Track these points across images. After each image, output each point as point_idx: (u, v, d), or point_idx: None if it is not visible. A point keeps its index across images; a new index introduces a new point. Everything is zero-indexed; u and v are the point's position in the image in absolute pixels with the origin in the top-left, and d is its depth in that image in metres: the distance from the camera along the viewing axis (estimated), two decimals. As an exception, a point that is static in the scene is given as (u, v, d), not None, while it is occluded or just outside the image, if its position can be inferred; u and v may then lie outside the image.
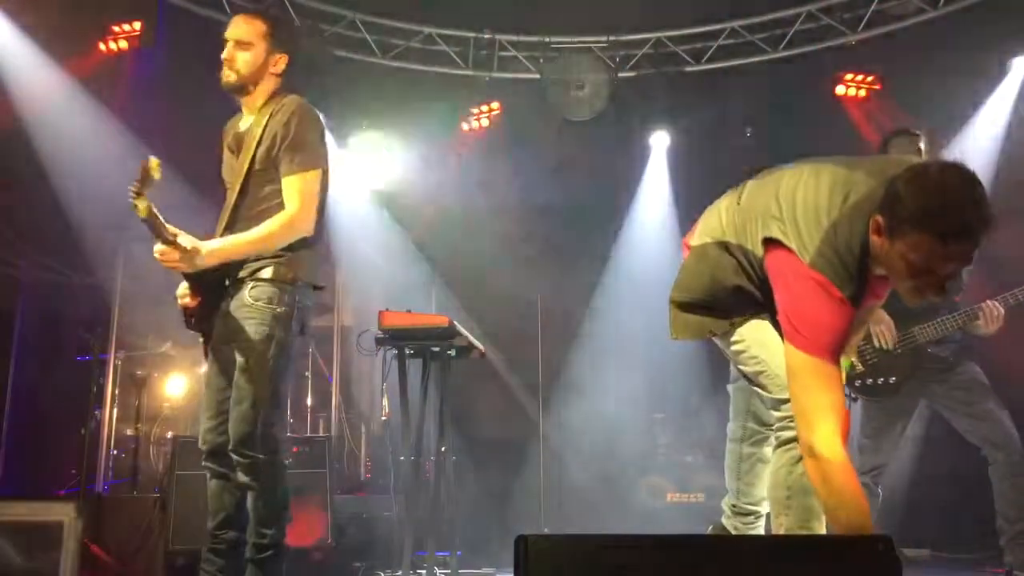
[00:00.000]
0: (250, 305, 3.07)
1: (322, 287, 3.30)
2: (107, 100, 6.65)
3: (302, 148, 3.15)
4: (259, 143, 3.15)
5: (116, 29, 6.71)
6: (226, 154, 3.32)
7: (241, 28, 3.22)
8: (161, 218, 2.92)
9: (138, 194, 2.82)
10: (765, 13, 7.18)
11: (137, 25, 6.70)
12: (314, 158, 3.20)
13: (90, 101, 6.58)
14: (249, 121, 3.27)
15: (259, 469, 3.02)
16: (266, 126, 3.16)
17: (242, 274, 3.11)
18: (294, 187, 3.13)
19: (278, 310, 3.08)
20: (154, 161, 2.81)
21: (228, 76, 3.23)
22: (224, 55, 3.22)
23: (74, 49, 6.58)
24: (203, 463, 3.17)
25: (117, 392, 6.13)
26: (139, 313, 6.32)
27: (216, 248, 3.04)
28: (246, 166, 3.14)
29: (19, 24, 6.29)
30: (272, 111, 3.20)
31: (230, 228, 3.16)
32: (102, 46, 6.73)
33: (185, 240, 2.97)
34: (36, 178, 6.31)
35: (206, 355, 3.25)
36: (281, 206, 3.13)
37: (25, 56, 6.33)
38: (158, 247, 2.98)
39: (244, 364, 3.05)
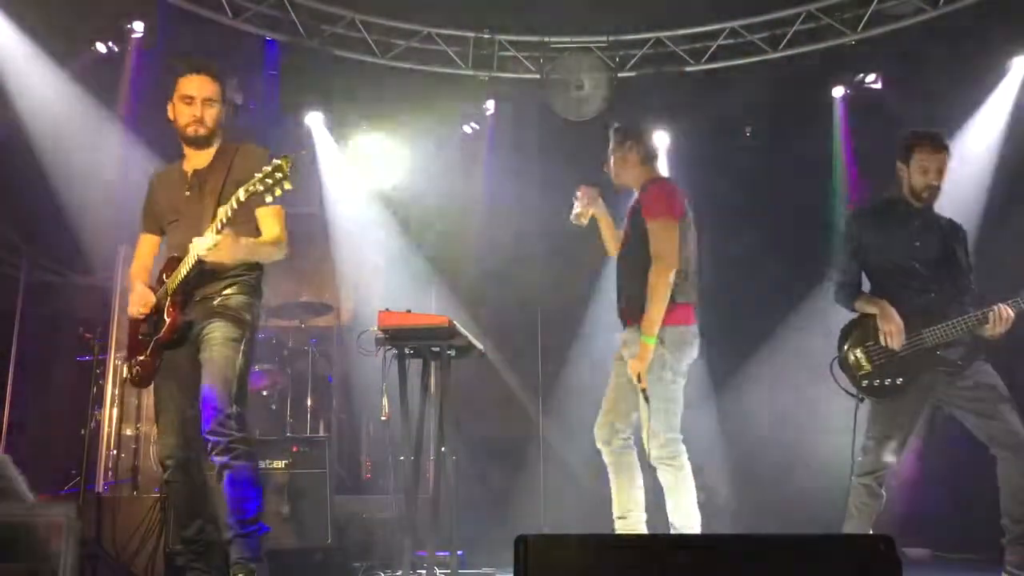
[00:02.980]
0: (223, 312, 3.44)
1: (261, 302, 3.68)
2: (107, 101, 6.66)
3: None
4: (226, 179, 3.50)
5: (116, 30, 6.72)
6: (175, 193, 3.63)
7: (207, 88, 3.56)
8: None
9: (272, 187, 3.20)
10: (765, 13, 7.18)
11: (138, 26, 6.71)
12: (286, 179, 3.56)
13: (90, 102, 6.59)
14: (200, 163, 3.62)
15: (236, 447, 3.29)
16: (232, 165, 3.54)
17: (213, 289, 3.48)
18: (274, 217, 3.53)
19: (247, 317, 3.48)
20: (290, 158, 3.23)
21: (199, 130, 3.57)
22: (196, 113, 3.56)
23: (74, 49, 6.59)
24: (170, 478, 3.44)
25: (117, 392, 6.13)
26: (139, 313, 6.32)
27: (250, 244, 3.41)
28: (216, 199, 3.45)
29: (19, 24, 6.29)
30: (230, 154, 3.58)
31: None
32: (102, 47, 6.74)
33: (229, 232, 3.29)
34: (36, 178, 6.31)
35: (150, 374, 3.49)
36: (245, 233, 3.44)
37: (25, 56, 6.34)
38: (214, 237, 3.25)
39: (218, 357, 3.36)
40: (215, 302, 3.45)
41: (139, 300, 3.55)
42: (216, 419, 3.27)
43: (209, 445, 3.29)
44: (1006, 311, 3.77)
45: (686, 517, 3.89)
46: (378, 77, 7.38)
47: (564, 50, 7.39)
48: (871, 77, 7.13)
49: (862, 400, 3.97)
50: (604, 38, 7.38)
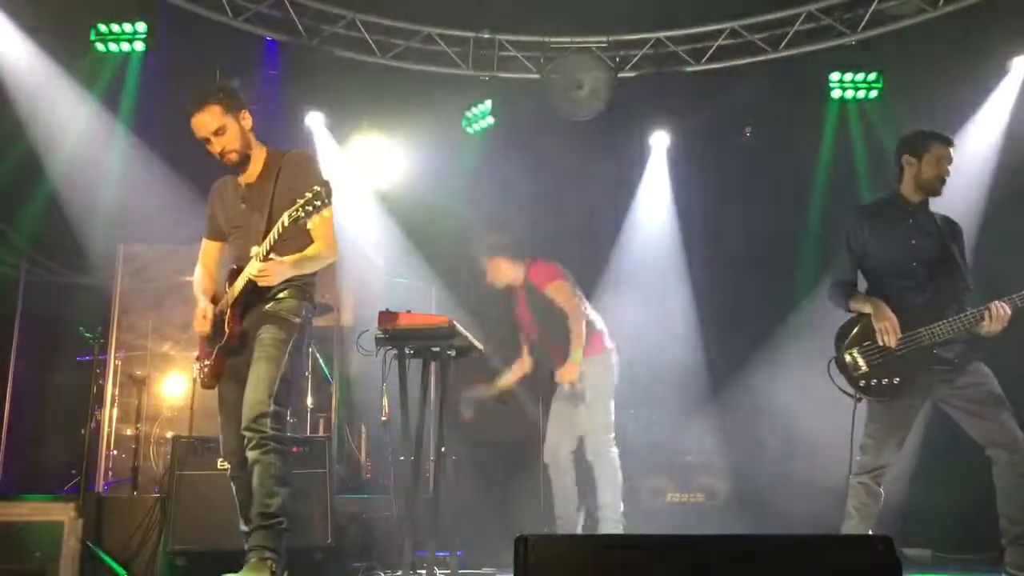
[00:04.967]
0: (274, 314, 3.59)
1: (315, 306, 3.85)
2: (108, 101, 6.66)
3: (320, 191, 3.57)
4: (274, 192, 3.61)
5: (117, 30, 6.72)
6: (235, 206, 3.75)
7: (208, 121, 3.60)
8: None
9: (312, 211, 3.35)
10: (765, 13, 7.18)
11: (139, 26, 6.71)
12: (329, 197, 3.59)
13: (91, 102, 6.59)
14: (253, 175, 3.72)
15: (267, 443, 3.42)
16: (279, 176, 3.64)
17: (268, 295, 3.61)
18: (324, 224, 3.61)
19: (296, 320, 3.62)
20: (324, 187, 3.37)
21: (231, 158, 3.64)
22: (215, 150, 3.63)
23: (75, 50, 6.59)
24: (231, 474, 3.61)
25: (117, 392, 6.13)
26: (139, 313, 6.33)
27: (296, 260, 3.55)
28: (267, 213, 3.57)
29: (20, 25, 6.30)
30: (280, 163, 3.69)
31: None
32: (103, 47, 6.74)
33: (276, 257, 3.47)
34: (37, 179, 6.31)
35: (213, 379, 3.65)
36: (298, 242, 3.58)
37: (26, 57, 6.34)
38: (260, 264, 3.44)
39: (263, 356, 3.51)
40: (268, 307, 3.61)
41: (200, 318, 3.69)
42: (253, 416, 3.42)
43: (245, 439, 3.44)
44: (1003, 308, 3.77)
45: None
46: (378, 77, 7.38)
47: (564, 50, 7.38)
48: (871, 77, 7.14)
49: (859, 400, 3.96)
50: (604, 38, 7.38)
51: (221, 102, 3.61)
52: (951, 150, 4.09)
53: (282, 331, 3.57)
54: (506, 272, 5.25)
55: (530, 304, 5.24)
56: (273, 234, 3.43)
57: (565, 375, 5.01)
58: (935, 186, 4.05)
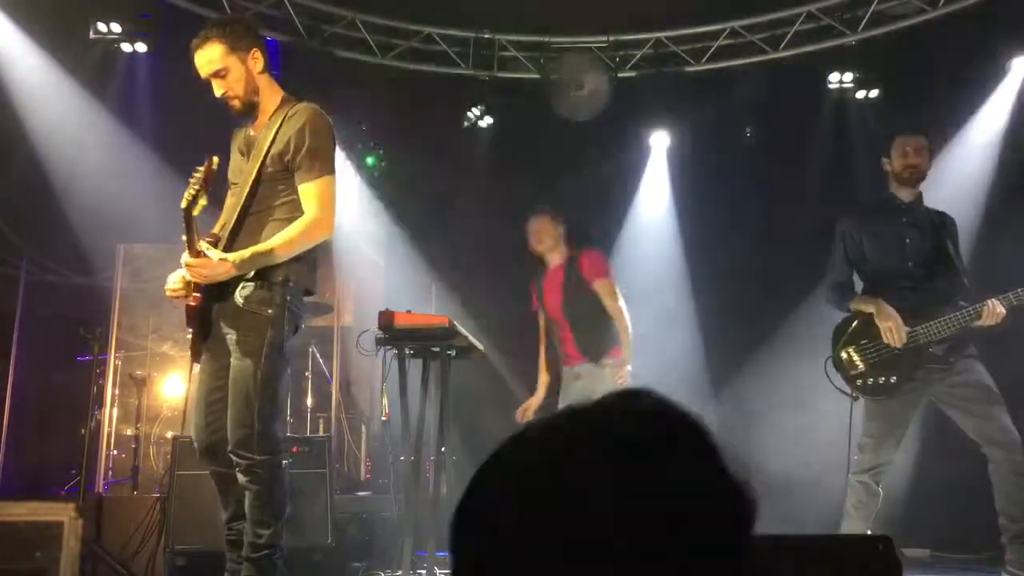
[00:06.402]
0: (241, 307, 3.08)
1: (312, 293, 3.31)
2: (108, 100, 6.66)
3: (318, 154, 3.16)
4: (271, 145, 3.15)
5: (117, 29, 6.71)
6: (235, 156, 3.35)
7: (207, 61, 3.16)
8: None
9: (198, 192, 2.89)
10: (765, 13, 7.18)
11: (140, 26, 6.71)
12: (330, 164, 3.23)
13: (90, 101, 6.58)
14: (260, 124, 3.29)
15: (257, 471, 3.04)
16: (278, 130, 3.17)
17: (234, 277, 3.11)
18: (313, 192, 3.14)
19: (269, 311, 3.08)
20: (216, 159, 2.95)
21: (234, 104, 3.21)
22: (217, 93, 3.19)
23: (75, 49, 6.58)
24: (202, 462, 3.24)
25: (117, 392, 6.13)
26: (139, 313, 6.32)
27: (245, 259, 3.02)
28: (257, 167, 3.14)
29: (19, 24, 6.29)
30: (284, 115, 3.21)
31: (237, 226, 3.17)
32: (103, 46, 6.73)
33: (213, 253, 3.00)
34: (36, 178, 6.31)
35: (195, 354, 3.27)
36: (289, 207, 3.17)
37: (25, 56, 6.33)
38: (187, 259, 3.01)
39: (238, 366, 3.07)
40: (236, 295, 3.08)
41: (173, 284, 3.22)
42: (236, 440, 3.04)
43: (234, 462, 3.07)
44: (998, 306, 3.80)
45: None
46: (378, 77, 7.37)
47: (564, 50, 7.38)
48: (871, 77, 7.13)
49: (856, 398, 3.98)
50: (604, 38, 7.38)
51: (225, 39, 3.13)
52: (916, 138, 4.07)
53: (252, 332, 3.05)
54: (549, 240, 5.13)
55: (566, 288, 5.07)
56: (192, 223, 2.99)
57: (621, 377, 5.00)
58: (906, 176, 4.06)
